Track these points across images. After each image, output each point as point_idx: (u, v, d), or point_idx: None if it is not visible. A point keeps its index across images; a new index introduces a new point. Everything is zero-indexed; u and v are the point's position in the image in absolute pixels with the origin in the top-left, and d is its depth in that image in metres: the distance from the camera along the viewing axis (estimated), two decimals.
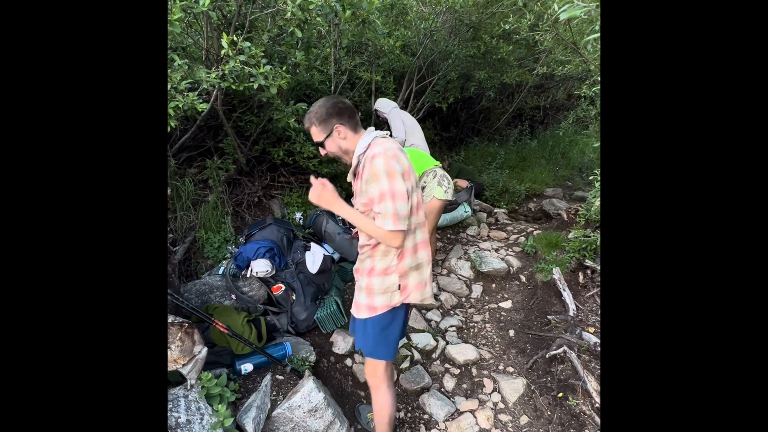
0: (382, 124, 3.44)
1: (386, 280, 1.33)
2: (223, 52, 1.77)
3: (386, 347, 1.40)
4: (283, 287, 2.23)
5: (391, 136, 2.94)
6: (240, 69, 1.76)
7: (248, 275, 2.21)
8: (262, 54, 1.84)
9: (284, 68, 1.95)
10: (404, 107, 4.29)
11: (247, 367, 1.77)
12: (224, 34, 1.80)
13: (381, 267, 1.34)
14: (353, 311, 1.41)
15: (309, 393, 1.64)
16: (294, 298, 2.22)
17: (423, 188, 2.66)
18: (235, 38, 1.80)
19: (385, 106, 3.34)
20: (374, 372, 1.43)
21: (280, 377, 1.78)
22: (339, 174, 3.49)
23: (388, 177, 1.19)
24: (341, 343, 2.25)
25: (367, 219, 1.26)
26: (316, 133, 1.30)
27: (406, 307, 1.41)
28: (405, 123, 3.24)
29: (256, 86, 1.80)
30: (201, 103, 1.75)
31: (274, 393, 1.70)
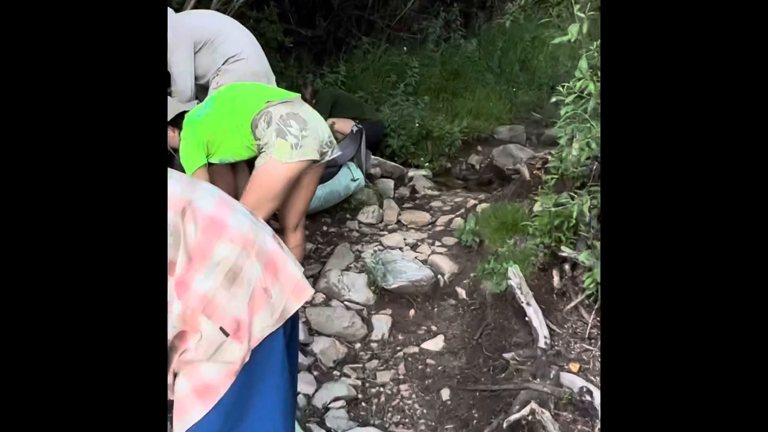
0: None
1: (200, 332, 1.40)
2: None
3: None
4: None
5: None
6: None
7: None
8: None
9: None
10: None
11: None
12: None
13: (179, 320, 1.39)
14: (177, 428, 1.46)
15: None
16: None
17: (260, 148, 2.66)
18: None
19: None
20: None
21: None
22: None
23: None
24: None
25: None
26: None
27: (272, 350, 1.50)
28: (196, 29, 3.22)
29: None
30: None
31: None
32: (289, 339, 1.59)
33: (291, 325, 1.61)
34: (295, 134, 2.62)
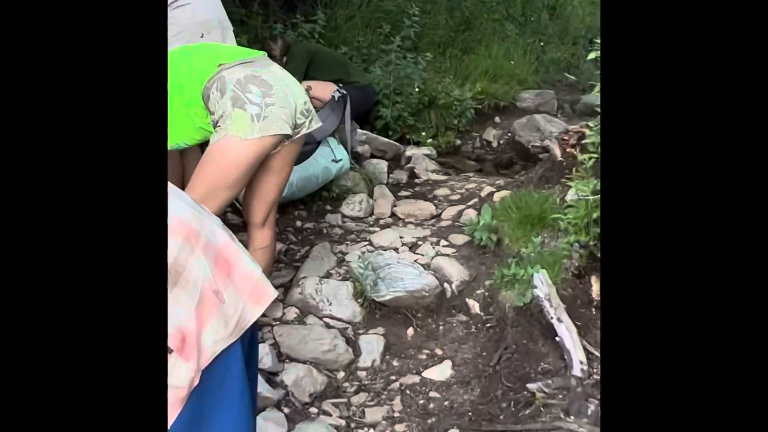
0: None
1: None
2: None
3: None
4: None
5: None
6: None
7: None
8: None
9: None
10: None
11: None
12: None
13: None
14: None
15: None
16: None
17: (215, 124, 2.63)
18: None
19: None
20: None
21: None
22: None
23: None
24: None
25: None
26: None
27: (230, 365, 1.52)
28: None
29: None
30: None
31: None
32: (248, 356, 1.59)
33: (250, 338, 1.60)
34: (257, 102, 2.58)
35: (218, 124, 2.61)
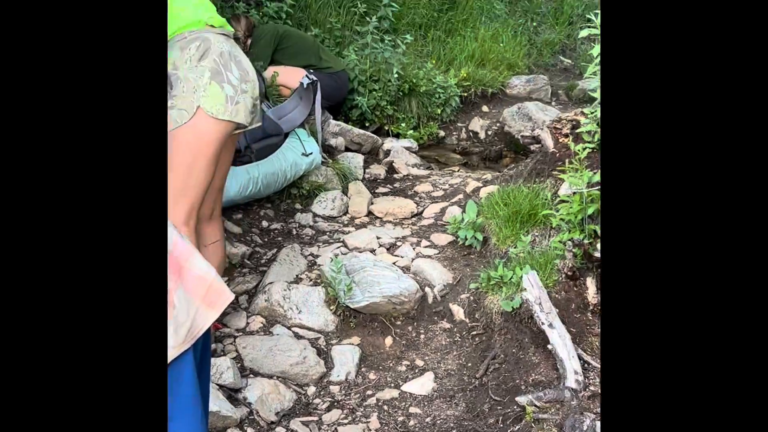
0: None
1: None
2: None
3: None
4: None
5: None
6: None
7: None
8: None
9: None
10: None
11: None
12: None
13: None
14: None
15: None
16: None
17: (169, 81, 2.60)
18: None
19: None
20: None
21: None
22: None
23: None
24: None
25: None
26: None
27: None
28: None
29: None
30: None
31: None
32: (201, 364, 1.59)
33: (203, 345, 1.61)
34: (235, 84, 2.61)
35: (174, 90, 2.62)
